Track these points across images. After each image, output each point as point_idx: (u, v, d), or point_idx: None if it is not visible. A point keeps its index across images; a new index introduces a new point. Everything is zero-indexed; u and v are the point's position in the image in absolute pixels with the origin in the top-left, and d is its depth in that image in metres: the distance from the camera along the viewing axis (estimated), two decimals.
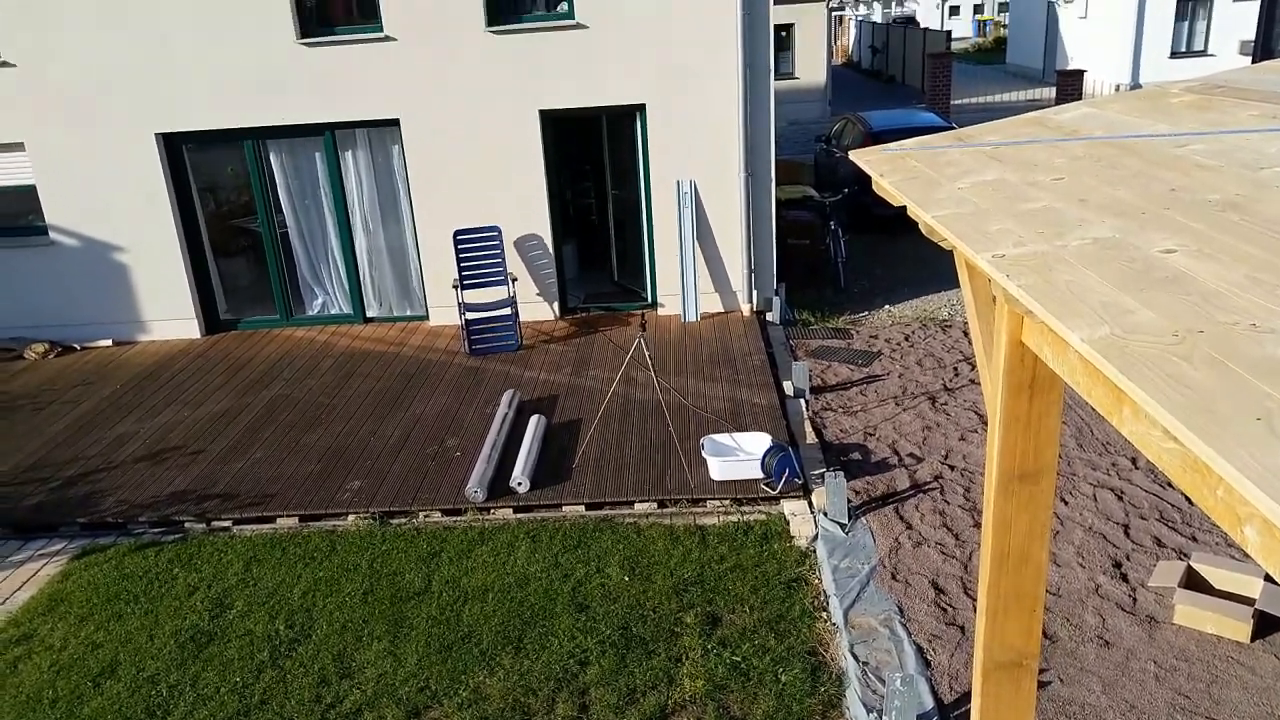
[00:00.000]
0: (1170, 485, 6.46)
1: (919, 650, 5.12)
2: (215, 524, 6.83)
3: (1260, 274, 1.88)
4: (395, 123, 9.82)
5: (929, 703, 4.73)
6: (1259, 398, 1.44)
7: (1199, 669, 4.82)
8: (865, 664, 5.02)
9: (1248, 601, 5.07)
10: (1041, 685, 4.76)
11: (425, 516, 6.73)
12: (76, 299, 10.46)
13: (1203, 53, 24.52)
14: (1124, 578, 5.57)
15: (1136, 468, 6.73)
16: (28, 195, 10.19)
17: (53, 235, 10.22)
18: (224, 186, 10.50)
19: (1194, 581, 5.31)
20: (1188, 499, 6.30)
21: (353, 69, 9.58)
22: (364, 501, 6.81)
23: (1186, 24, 24.41)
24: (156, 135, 9.88)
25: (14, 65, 9.68)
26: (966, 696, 4.76)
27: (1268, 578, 5.19)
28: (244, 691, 5.13)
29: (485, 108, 9.64)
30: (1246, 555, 5.66)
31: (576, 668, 5.12)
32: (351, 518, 6.74)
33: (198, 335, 10.55)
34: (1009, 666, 3.35)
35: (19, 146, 9.99)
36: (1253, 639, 4.94)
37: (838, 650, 5.16)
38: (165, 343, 10.46)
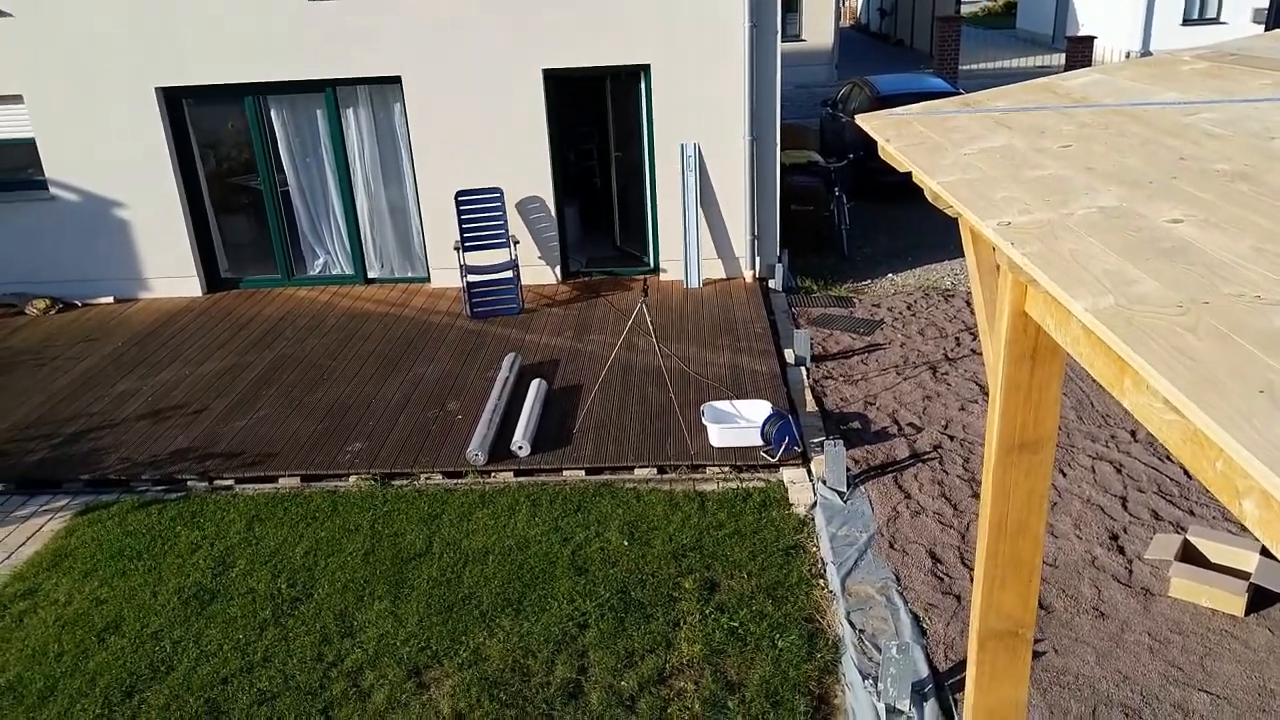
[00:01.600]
0: (1169, 459, 6.46)
1: (915, 618, 5.16)
2: (217, 482, 6.86)
3: (1267, 245, 1.86)
4: (397, 80, 9.72)
5: (924, 670, 4.77)
6: (1262, 370, 1.43)
7: (1193, 641, 4.85)
8: (861, 631, 5.06)
9: (1243, 575, 5.10)
10: (1036, 655, 4.80)
11: (426, 478, 6.75)
12: (77, 255, 10.43)
13: (1215, 20, 24.17)
14: (1121, 550, 5.60)
15: (1136, 440, 6.74)
16: (27, 148, 10.12)
17: (53, 190, 10.16)
18: (225, 143, 10.42)
19: (1190, 555, 5.34)
20: (1186, 472, 6.31)
21: (355, 25, 9.47)
22: (365, 462, 6.84)
23: None
24: (157, 89, 9.79)
25: (11, 15, 9.56)
26: (962, 665, 4.80)
27: (1264, 552, 5.21)
28: (246, 649, 5.18)
29: (488, 66, 9.54)
30: (1244, 529, 5.68)
31: (576, 630, 5.17)
32: (353, 478, 6.77)
33: (199, 293, 10.53)
34: (1004, 635, 3.38)
35: (17, 99, 9.90)
36: (1247, 613, 4.97)
37: (834, 617, 5.20)
38: (167, 300, 10.45)
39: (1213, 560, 5.30)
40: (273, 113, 10.06)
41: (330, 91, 9.88)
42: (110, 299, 10.57)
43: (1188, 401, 1.40)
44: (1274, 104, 2.84)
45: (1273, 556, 5.15)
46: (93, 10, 9.51)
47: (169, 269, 10.45)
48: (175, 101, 9.98)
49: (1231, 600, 4.98)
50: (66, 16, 9.54)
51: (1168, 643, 4.85)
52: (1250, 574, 5.08)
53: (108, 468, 6.98)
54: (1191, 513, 5.90)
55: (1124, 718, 4.41)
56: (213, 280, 10.68)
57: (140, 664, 5.12)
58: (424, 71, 9.58)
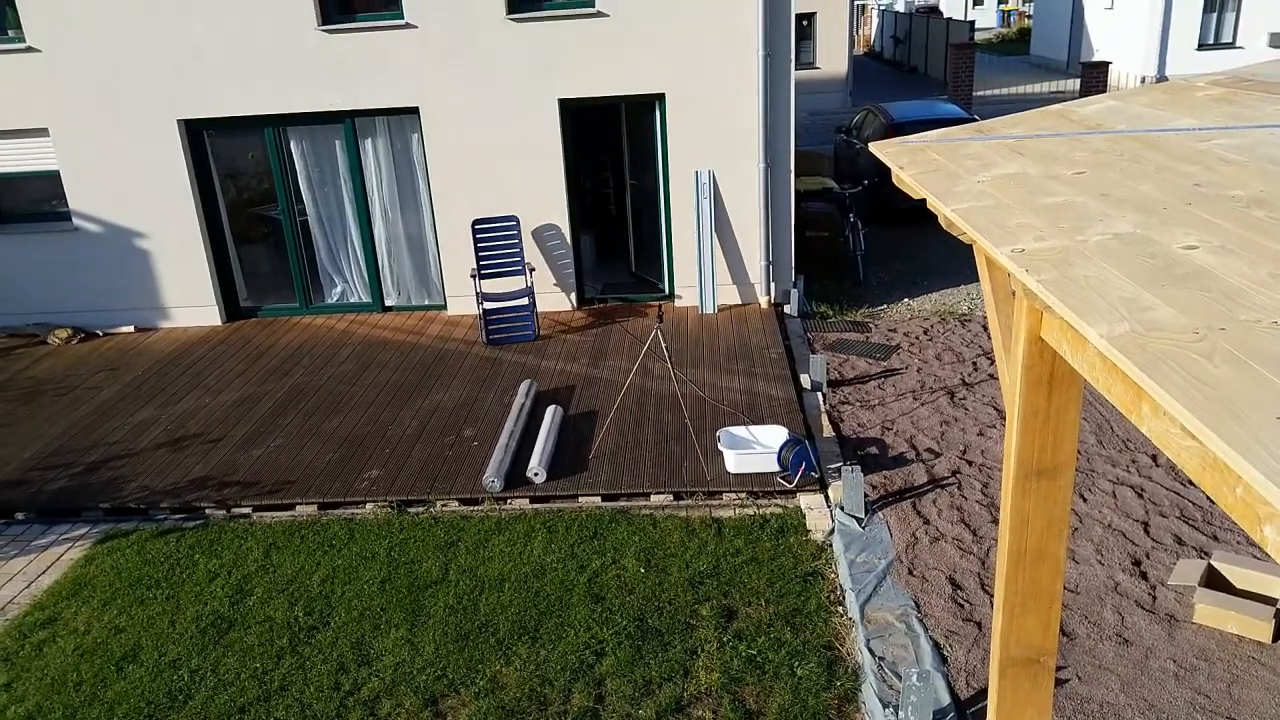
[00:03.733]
0: (1191, 483, 6.40)
1: (936, 646, 5.10)
2: (235, 511, 6.89)
3: None
4: (415, 111, 9.85)
5: (945, 699, 4.72)
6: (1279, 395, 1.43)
7: (1219, 669, 4.78)
8: (881, 659, 5.01)
9: (1269, 601, 5.02)
10: (1059, 683, 4.74)
11: (443, 506, 6.76)
12: (99, 285, 10.56)
13: (1231, 45, 24.16)
14: (1143, 576, 5.53)
15: (1157, 465, 6.67)
16: (51, 181, 10.29)
17: (76, 221, 10.32)
18: (245, 173, 10.57)
19: (1215, 580, 5.27)
20: (1209, 497, 6.24)
21: (373, 56, 9.61)
22: (382, 490, 6.86)
23: (1215, 15, 24.04)
24: (179, 121, 9.95)
25: (39, 50, 9.76)
26: (983, 693, 4.74)
27: None
28: (264, 677, 5.19)
29: (504, 96, 9.65)
30: (1268, 555, 5.60)
31: (592, 658, 5.14)
32: (370, 506, 6.79)
33: (218, 322, 10.64)
34: (1026, 663, 3.34)
35: (43, 132, 10.09)
36: (1275, 639, 4.89)
37: (854, 645, 5.15)
38: (186, 330, 10.56)
39: (1238, 586, 5.22)
40: (292, 143, 10.20)
41: (349, 122, 10.01)
42: (131, 328, 10.69)
43: (1205, 429, 1.40)
44: None
45: None
46: (117, 44, 9.70)
47: (189, 298, 10.57)
48: (197, 133, 10.14)
49: (1258, 626, 4.91)
50: (92, 51, 9.73)
51: (1194, 670, 4.78)
52: (1277, 600, 5.01)
53: (127, 496, 7.03)
54: (1215, 538, 5.83)
55: None
56: (232, 309, 10.79)
57: (159, 693, 5.13)
58: (441, 102, 9.70)
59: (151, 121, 9.93)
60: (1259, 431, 1.35)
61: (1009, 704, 3.41)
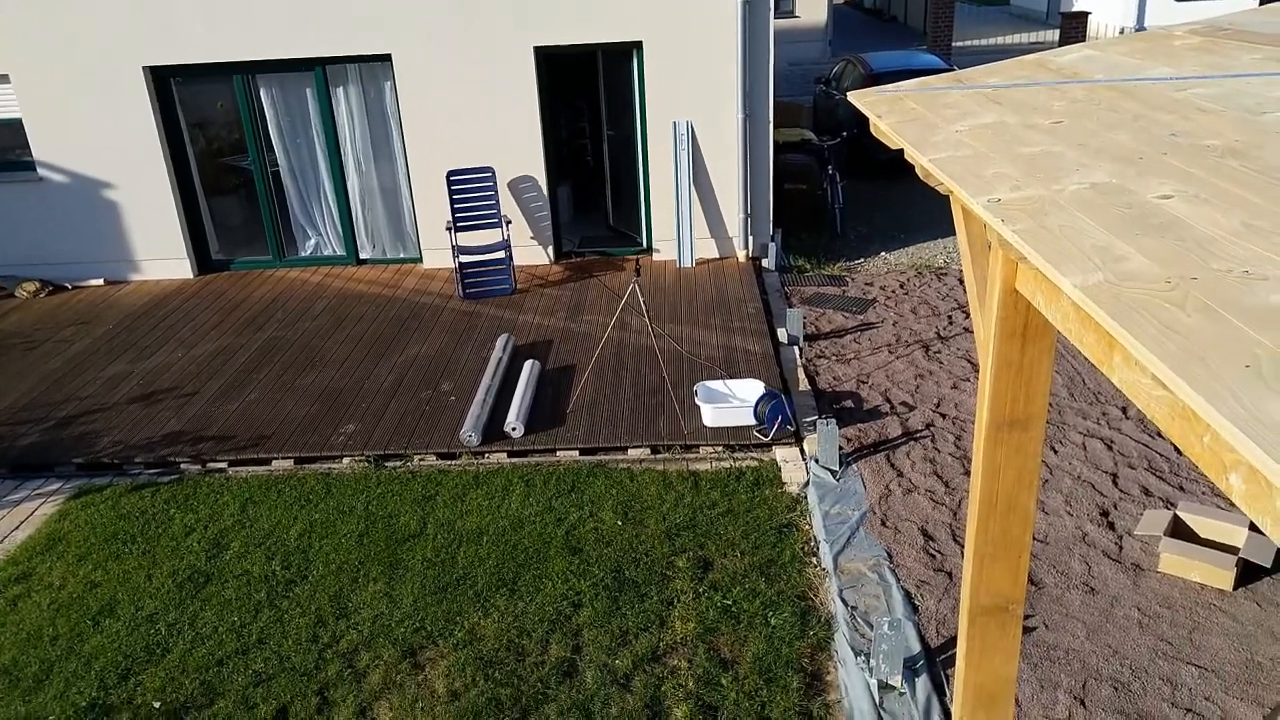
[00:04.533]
0: (1159, 435, 6.49)
1: (907, 595, 5.19)
2: (211, 465, 6.86)
3: (1257, 220, 1.85)
4: (388, 59, 9.65)
5: (916, 646, 4.80)
6: (1249, 345, 1.43)
7: (1182, 616, 4.89)
8: (854, 608, 5.09)
9: (1232, 550, 5.13)
10: (1027, 630, 4.83)
11: (420, 460, 6.76)
12: (67, 237, 10.36)
13: None
14: (1111, 526, 5.63)
15: (1127, 417, 6.76)
16: (14, 129, 10.03)
17: (41, 171, 10.08)
18: (214, 123, 10.35)
19: (1180, 530, 5.37)
20: (1176, 449, 6.34)
21: (345, 2, 9.38)
22: (359, 444, 6.84)
23: None
24: (144, 68, 9.70)
25: None
26: (953, 641, 4.84)
27: (1252, 527, 5.24)
28: (242, 630, 5.20)
29: (479, 44, 9.46)
30: (1232, 505, 5.71)
31: (570, 610, 5.19)
32: (347, 460, 6.77)
33: (190, 275, 10.48)
34: (994, 611, 3.40)
35: (4, 79, 9.81)
36: (1235, 587, 5.01)
37: (827, 595, 5.23)
38: (157, 283, 10.40)
39: (1202, 535, 5.33)
40: (262, 92, 9.98)
41: (320, 70, 9.80)
42: (101, 281, 10.52)
43: (1175, 377, 1.40)
44: (1266, 79, 2.83)
45: (1261, 531, 5.19)
46: None
47: (159, 251, 10.39)
48: (163, 81, 9.90)
49: (1220, 575, 5.02)
50: None
51: (1157, 617, 4.89)
52: (1239, 549, 5.12)
53: (100, 451, 6.97)
54: (1181, 488, 5.93)
55: (1114, 691, 4.45)
56: (204, 262, 10.63)
57: (135, 647, 5.13)
58: (414, 49, 9.51)
59: (117, 68, 9.67)
60: (1227, 379, 1.36)
61: (977, 651, 3.47)
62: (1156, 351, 1.47)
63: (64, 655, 5.10)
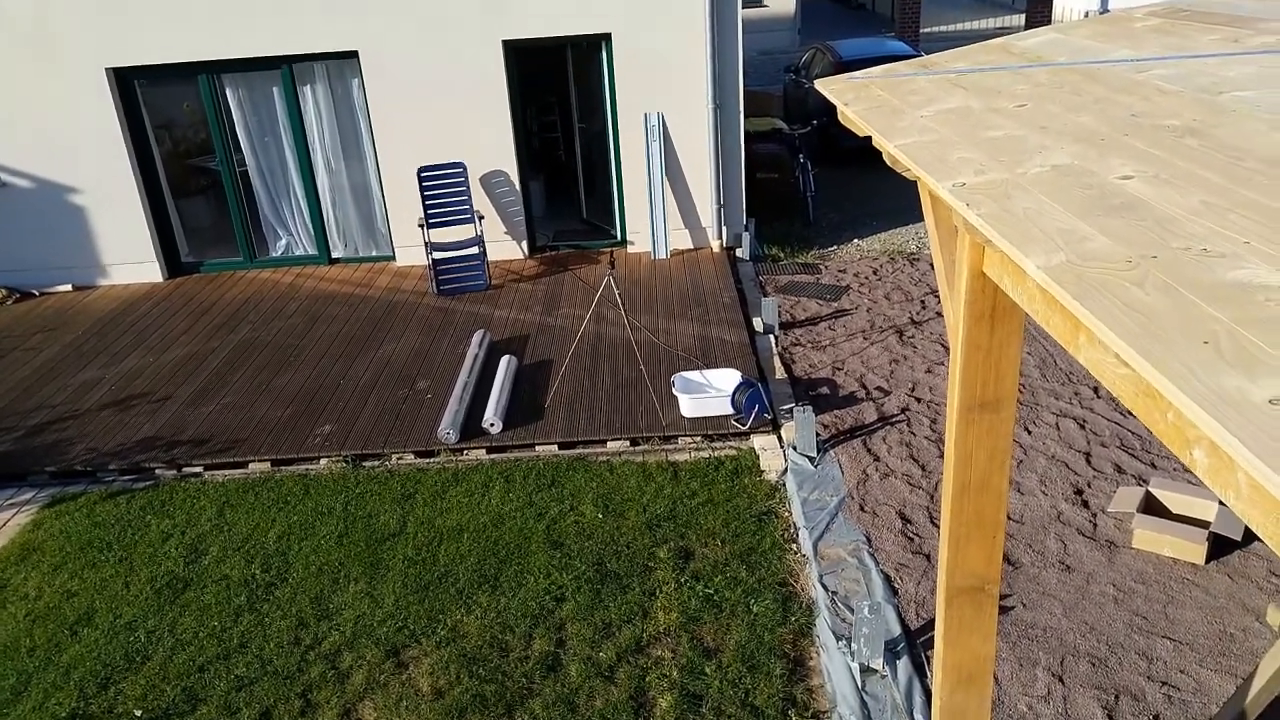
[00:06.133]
0: (1130, 413, 6.57)
1: (886, 579, 5.23)
2: (186, 470, 6.80)
3: (1214, 199, 1.88)
4: (354, 55, 9.57)
5: (896, 629, 4.85)
6: (1207, 322, 1.46)
7: (1156, 590, 4.97)
8: (834, 593, 5.13)
9: (1204, 525, 5.22)
10: (1004, 610, 4.89)
11: (398, 459, 6.73)
12: (32, 243, 10.21)
13: None
14: (1085, 504, 5.70)
15: (1098, 396, 6.84)
16: None
17: (4, 176, 9.92)
18: (180, 124, 10.23)
19: (1152, 506, 5.45)
20: (1146, 426, 6.42)
21: None
22: (336, 445, 6.80)
23: None
24: (107, 70, 9.56)
25: None
26: (932, 622, 4.89)
27: (1222, 501, 5.32)
28: (222, 635, 5.17)
29: (447, 38, 9.41)
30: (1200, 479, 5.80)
31: (553, 604, 5.20)
32: (324, 461, 6.73)
33: (160, 279, 10.37)
34: (971, 591, 3.43)
35: None
36: (1207, 560, 5.09)
37: (808, 581, 5.26)
38: (126, 287, 10.28)
39: (1174, 511, 5.41)
40: (228, 92, 9.87)
41: (286, 69, 9.70)
42: (69, 287, 10.38)
43: (1136, 355, 1.42)
44: (1223, 59, 2.87)
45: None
46: None
47: (128, 255, 10.27)
48: (127, 82, 9.76)
49: (1192, 549, 5.10)
50: None
51: (1132, 593, 4.96)
52: (1210, 523, 5.20)
53: (73, 458, 6.89)
54: (1153, 465, 6.02)
55: (1090, 667, 4.52)
56: (173, 265, 10.51)
57: (115, 655, 5.09)
58: (381, 45, 9.43)
59: (79, 70, 9.52)
60: (1186, 356, 1.38)
61: (955, 631, 3.51)
62: (1117, 330, 1.49)
63: (42, 666, 5.05)
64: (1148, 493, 5.48)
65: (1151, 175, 2.07)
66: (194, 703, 4.72)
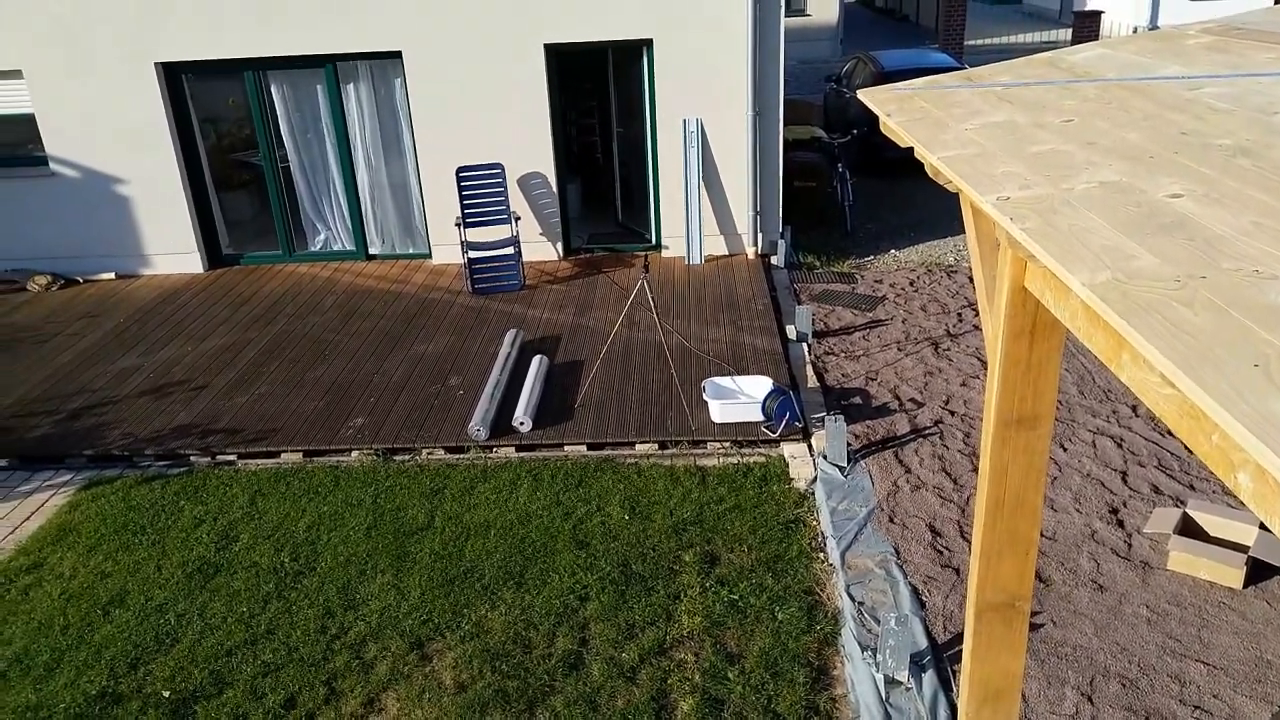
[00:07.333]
0: (1169, 433, 6.48)
1: (914, 591, 5.19)
2: (220, 458, 6.89)
3: (1267, 220, 1.85)
4: (398, 55, 9.67)
5: (923, 642, 4.81)
6: (1258, 344, 1.44)
7: (1190, 614, 4.89)
8: (861, 604, 5.09)
9: (1242, 549, 5.12)
10: (1035, 627, 4.83)
11: (428, 454, 6.78)
12: (78, 231, 10.42)
13: None
14: (1120, 524, 5.62)
15: (1136, 415, 6.75)
16: (27, 124, 10.09)
17: (53, 166, 10.14)
18: (225, 119, 10.39)
19: (1189, 528, 5.36)
20: (1186, 447, 6.32)
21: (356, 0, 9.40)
22: (368, 438, 6.87)
23: None
24: (156, 64, 9.74)
25: None
26: (960, 637, 4.84)
27: (1262, 525, 5.23)
28: (250, 621, 5.23)
29: (489, 41, 9.48)
30: (1242, 503, 5.70)
31: (577, 603, 5.21)
32: (355, 454, 6.80)
33: (200, 270, 10.53)
34: (1001, 607, 3.40)
35: (16, 74, 9.86)
36: (1245, 585, 5.00)
37: (834, 590, 5.23)
38: (168, 277, 10.45)
39: (1211, 534, 5.32)
40: (273, 88, 10.01)
41: (330, 67, 9.82)
42: (112, 275, 10.57)
43: (1182, 376, 1.41)
44: (1278, 79, 2.82)
45: (1270, 530, 5.17)
46: None
47: (170, 245, 10.44)
48: (175, 76, 9.94)
49: (1229, 573, 5.01)
50: None
51: (1166, 615, 4.88)
52: (1249, 547, 5.11)
53: (110, 443, 7.02)
54: (1191, 487, 5.92)
55: (1121, 688, 4.45)
56: (214, 257, 10.67)
57: (145, 636, 5.17)
58: (425, 46, 9.53)
59: (129, 64, 9.71)
60: (1235, 379, 1.37)
61: (984, 647, 3.48)
62: (1164, 350, 1.47)
63: (74, 644, 5.14)
64: (1185, 514, 5.39)
65: (1202, 194, 2.04)
66: (221, 686, 4.79)
